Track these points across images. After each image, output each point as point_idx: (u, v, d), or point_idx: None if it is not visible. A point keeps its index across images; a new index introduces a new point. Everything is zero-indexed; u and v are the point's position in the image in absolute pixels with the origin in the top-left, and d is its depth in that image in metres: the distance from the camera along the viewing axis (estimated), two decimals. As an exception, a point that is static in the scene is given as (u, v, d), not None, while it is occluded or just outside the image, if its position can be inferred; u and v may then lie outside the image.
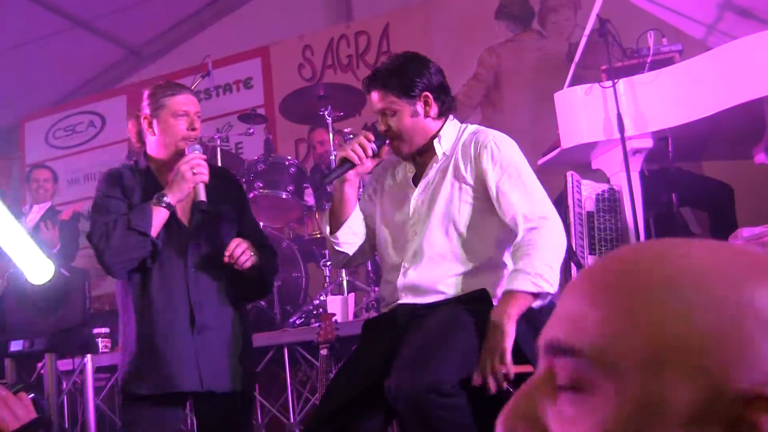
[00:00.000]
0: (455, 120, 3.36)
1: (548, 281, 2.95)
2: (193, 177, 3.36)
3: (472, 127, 3.33)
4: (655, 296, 0.69)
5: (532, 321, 3.10)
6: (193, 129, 3.45)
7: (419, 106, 3.20)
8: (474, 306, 3.05)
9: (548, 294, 2.99)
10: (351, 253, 3.46)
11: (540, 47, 7.95)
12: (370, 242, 3.47)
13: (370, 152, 3.24)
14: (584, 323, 0.72)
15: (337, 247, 3.43)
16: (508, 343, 2.85)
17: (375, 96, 3.25)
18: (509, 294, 2.95)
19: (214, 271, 3.46)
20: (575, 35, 7.42)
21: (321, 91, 6.15)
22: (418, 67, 3.24)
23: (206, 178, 3.39)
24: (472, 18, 8.17)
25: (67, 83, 10.76)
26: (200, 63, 6.80)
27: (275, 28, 9.35)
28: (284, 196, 6.06)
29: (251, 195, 5.98)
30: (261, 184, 6.06)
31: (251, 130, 6.52)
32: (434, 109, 3.23)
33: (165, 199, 3.34)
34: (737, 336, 0.66)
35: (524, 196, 3.09)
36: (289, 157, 6.40)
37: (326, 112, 5.96)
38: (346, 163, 3.23)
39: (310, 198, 6.45)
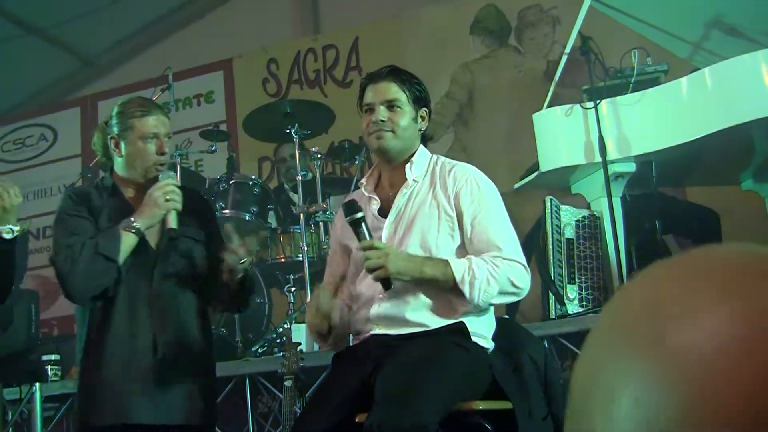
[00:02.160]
0: (425, 149, 3.38)
1: (477, 297, 3.00)
2: (165, 204, 3.28)
3: (444, 159, 3.36)
4: None
5: (511, 354, 3.11)
6: (163, 153, 3.36)
7: (418, 117, 3.29)
8: (452, 339, 3.01)
9: (465, 305, 3.03)
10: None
11: (517, 64, 7.88)
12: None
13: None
14: None
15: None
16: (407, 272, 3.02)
17: (387, 86, 3.27)
18: (444, 262, 3.03)
19: (180, 298, 3.39)
20: (554, 52, 7.42)
21: (287, 108, 5.90)
22: (425, 87, 3.37)
23: (179, 206, 3.32)
24: (446, 32, 8.10)
25: (18, 93, 10.55)
26: (160, 75, 6.56)
27: (239, 40, 9.25)
28: (248, 218, 5.82)
29: (211, 216, 5.75)
30: (223, 205, 5.85)
31: (213, 148, 6.25)
32: (423, 127, 3.33)
33: (134, 224, 3.24)
34: None
35: (501, 233, 3.12)
36: (253, 177, 6.19)
37: (293, 130, 5.71)
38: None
39: (274, 220, 6.22)
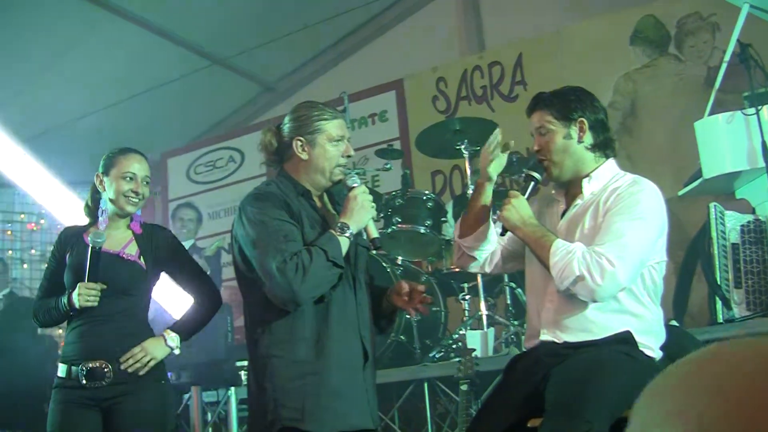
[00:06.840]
0: (615, 164, 3.34)
1: (557, 277, 3.04)
2: (372, 210, 3.32)
3: (633, 177, 3.27)
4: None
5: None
6: (349, 156, 3.40)
7: (573, 130, 3.25)
8: (619, 348, 3.03)
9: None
10: (480, 259, 3.58)
11: (678, 72, 7.75)
12: (507, 259, 3.55)
13: None
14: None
15: (467, 252, 3.55)
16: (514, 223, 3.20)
17: (534, 116, 3.33)
18: (548, 235, 3.12)
19: (366, 305, 3.42)
20: (714, 58, 7.25)
21: (457, 126, 6.16)
22: (580, 96, 3.31)
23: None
24: (607, 44, 8.05)
25: (207, 120, 11.10)
26: (336, 97, 6.89)
27: (409, 60, 9.41)
28: (422, 231, 6.07)
29: (389, 230, 6.05)
30: (399, 219, 6.09)
31: (388, 165, 6.54)
32: (588, 138, 3.26)
33: (349, 230, 3.24)
34: None
35: (617, 231, 3.03)
36: (427, 192, 6.41)
37: (462, 147, 5.97)
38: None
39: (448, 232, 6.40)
